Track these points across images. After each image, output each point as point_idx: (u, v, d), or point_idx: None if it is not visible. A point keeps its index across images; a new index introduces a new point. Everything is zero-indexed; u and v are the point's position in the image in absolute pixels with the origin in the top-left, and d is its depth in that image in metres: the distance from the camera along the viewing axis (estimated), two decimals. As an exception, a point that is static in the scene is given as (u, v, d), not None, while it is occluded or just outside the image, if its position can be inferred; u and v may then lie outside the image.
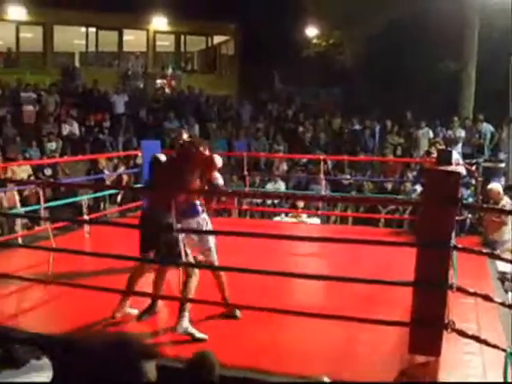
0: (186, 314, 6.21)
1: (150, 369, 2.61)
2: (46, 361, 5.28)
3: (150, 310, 6.90)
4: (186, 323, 6.17)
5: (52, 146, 18.18)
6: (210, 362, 4.33)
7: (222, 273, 6.93)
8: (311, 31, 26.74)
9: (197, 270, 6.47)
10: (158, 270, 6.92)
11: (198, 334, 6.15)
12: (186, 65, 30.32)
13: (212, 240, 6.83)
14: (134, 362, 2.59)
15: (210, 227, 6.89)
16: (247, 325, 6.38)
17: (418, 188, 14.91)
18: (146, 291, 7.01)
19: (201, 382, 4.27)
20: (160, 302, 7.00)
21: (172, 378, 4.53)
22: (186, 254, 6.43)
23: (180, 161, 6.70)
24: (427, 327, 5.48)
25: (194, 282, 6.41)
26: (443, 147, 11.55)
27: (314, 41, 27.00)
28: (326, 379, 4.32)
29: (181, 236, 6.38)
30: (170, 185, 6.61)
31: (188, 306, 6.30)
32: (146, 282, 7.01)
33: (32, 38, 25.77)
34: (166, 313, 6.97)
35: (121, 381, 2.56)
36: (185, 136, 7.56)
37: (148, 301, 6.98)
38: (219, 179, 7.20)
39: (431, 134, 19.56)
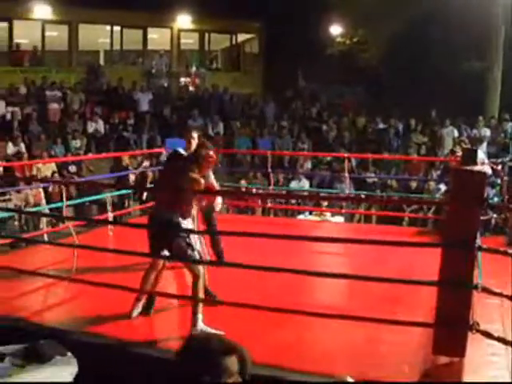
0: (200, 315, 6.23)
1: (232, 363, 2.92)
2: (70, 356, 5.35)
3: (148, 308, 6.92)
4: (200, 324, 6.20)
5: (77, 143, 18.30)
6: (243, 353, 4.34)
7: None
8: (335, 29, 26.68)
9: (202, 271, 6.46)
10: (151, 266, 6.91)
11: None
12: (211, 63, 30.31)
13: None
14: (215, 358, 2.87)
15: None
16: (271, 324, 6.36)
17: (442, 187, 14.82)
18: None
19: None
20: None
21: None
22: (192, 253, 6.46)
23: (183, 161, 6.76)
24: (451, 328, 5.44)
25: (201, 282, 6.40)
26: (468, 146, 11.45)
27: (338, 39, 26.93)
28: (349, 379, 4.29)
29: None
30: (173, 184, 6.63)
31: (200, 306, 6.33)
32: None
33: (57, 36, 25.88)
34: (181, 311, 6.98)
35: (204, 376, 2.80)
36: (194, 135, 7.99)
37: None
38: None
39: (456, 133, 19.45)
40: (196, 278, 6.37)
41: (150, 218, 6.94)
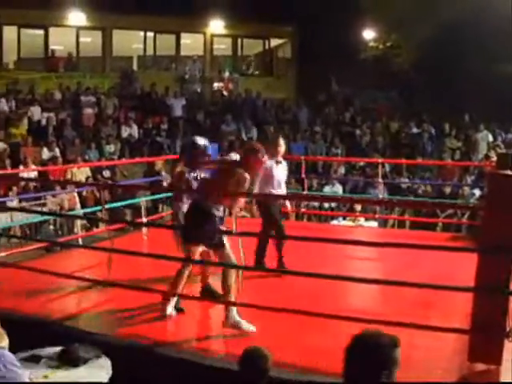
0: (233, 307, 6.35)
1: (399, 354, 3.24)
2: (105, 360, 5.38)
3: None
4: (234, 315, 6.33)
5: (110, 148, 18.43)
6: (264, 354, 4.35)
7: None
8: (368, 34, 26.55)
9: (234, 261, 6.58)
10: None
11: (246, 325, 6.29)
12: (247, 68, 30.32)
13: None
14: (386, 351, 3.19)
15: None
16: (304, 328, 6.34)
17: (477, 192, 14.69)
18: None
19: (256, 371, 4.28)
20: None
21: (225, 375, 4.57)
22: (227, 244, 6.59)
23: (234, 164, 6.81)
24: (487, 335, 5.37)
25: (232, 275, 6.47)
26: (504, 151, 11.34)
27: (371, 43, 26.79)
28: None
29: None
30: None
31: (232, 297, 6.45)
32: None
33: (91, 42, 26.12)
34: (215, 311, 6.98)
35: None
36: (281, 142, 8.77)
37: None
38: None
39: (490, 138, 19.29)
40: (226, 271, 6.49)
41: (190, 208, 6.94)
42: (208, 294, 7.36)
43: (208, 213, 6.54)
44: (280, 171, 9.07)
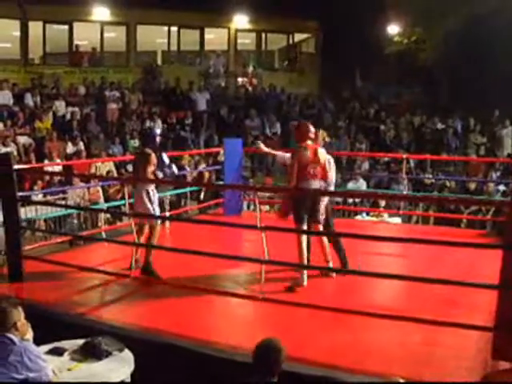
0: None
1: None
2: (128, 353, 5.40)
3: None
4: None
5: (135, 142, 18.48)
6: (278, 346, 4.35)
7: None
8: (392, 28, 26.40)
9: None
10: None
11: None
12: (269, 63, 30.25)
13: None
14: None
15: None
16: (327, 324, 6.33)
17: (502, 188, 14.57)
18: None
19: (270, 363, 4.28)
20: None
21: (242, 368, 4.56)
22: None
23: None
24: (511, 333, 5.32)
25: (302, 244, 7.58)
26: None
27: (396, 38, 26.64)
28: (400, 380, 4.25)
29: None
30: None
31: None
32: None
33: (116, 37, 26.18)
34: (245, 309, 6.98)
35: None
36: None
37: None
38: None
39: (516, 134, 19.14)
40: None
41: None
42: (147, 274, 7.95)
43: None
44: None
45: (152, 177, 8.28)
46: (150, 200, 8.16)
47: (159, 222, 8.35)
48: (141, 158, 8.44)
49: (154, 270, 8.02)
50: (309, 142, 8.21)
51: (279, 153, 9.32)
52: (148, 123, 19.61)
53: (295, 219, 7.86)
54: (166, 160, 8.99)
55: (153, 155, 8.31)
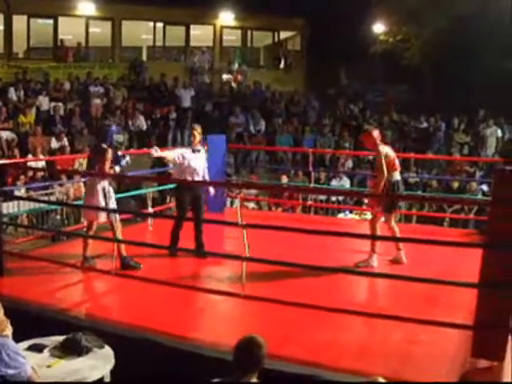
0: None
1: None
2: (108, 350, 5.39)
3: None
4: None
5: (119, 138, 18.41)
6: (259, 342, 4.35)
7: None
8: (378, 27, 26.45)
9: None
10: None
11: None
12: (253, 60, 30.25)
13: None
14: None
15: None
16: (309, 322, 6.33)
17: (485, 187, 14.63)
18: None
19: (251, 359, 4.28)
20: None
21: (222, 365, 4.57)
22: None
23: None
24: (491, 331, 5.35)
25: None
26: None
27: (381, 37, 26.69)
28: (380, 379, 4.26)
29: None
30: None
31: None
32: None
33: (101, 32, 26.14)
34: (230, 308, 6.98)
35: None
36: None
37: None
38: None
39: (499, 133, 19.20)
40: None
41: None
42: (125, 268, 8.06)
43: None
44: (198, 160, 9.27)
45: (110, 172, 8.28)
46: (104, 196, 8.16)
47: (117, 216, 8.33)
48: (97, 153, 8.37)
49: (131, 261, 8.15)
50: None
51: (169, 153, 9.43)
52: (137, 119, 19.58)
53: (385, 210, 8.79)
54: (119, 153, 8.95)
55: (109, 150, 8.26)
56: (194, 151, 9.18)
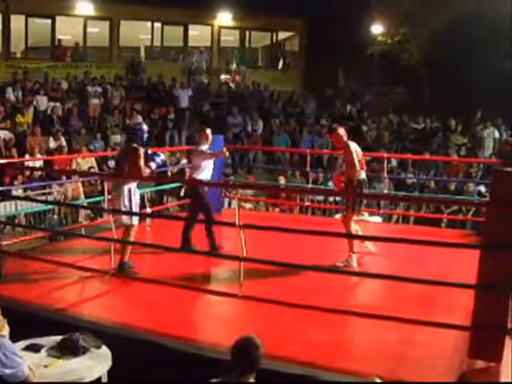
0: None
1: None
2: (105, 350, 5.39)
3: None
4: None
5: (116, 138, 18.42)
6: (256, 342, 4.35)
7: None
8: (376, 28, 26.46)
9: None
10: None
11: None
12: (251, 60, 30.24)
13: None
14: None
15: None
16: (306, 322, 6.34)
17: (482, 189, 14.65)
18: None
19: (248, 359, 4.29)
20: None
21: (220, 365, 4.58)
22: None
23: None
24: (488, 332, 5.36)
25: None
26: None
27: (379, 38, 26.70)
28: (377, 380, 4.27)
29: None
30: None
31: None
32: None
33: (99, 32, 26.11)
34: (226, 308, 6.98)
35: None
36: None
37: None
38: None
39: (497, 134, 19.22)
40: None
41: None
42: (122, 272, 7.99)
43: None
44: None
45: (147, 170, 8.19)
46: (129, 199, 8.06)
47: (137, 222, 8.24)
48: (128, 153, 8.26)
49: (130, 271, 8.01)
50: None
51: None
52: (135, 119, 19.56)
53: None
54: (150, 152, 8.97)
55: (141, 149, 8.19)
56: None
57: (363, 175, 8.98)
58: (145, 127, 8.56)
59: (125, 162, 8.23)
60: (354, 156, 8.77)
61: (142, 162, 8.09)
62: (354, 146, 8.99)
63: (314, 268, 7.42)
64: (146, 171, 8.17)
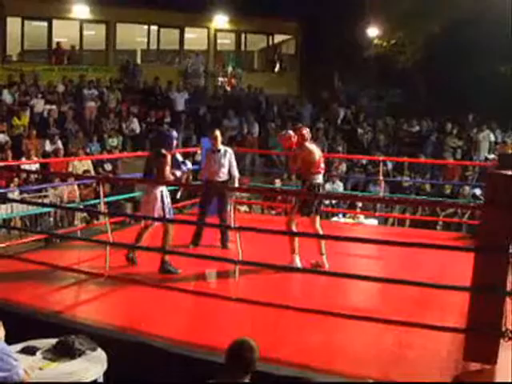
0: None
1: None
2: (101, 353, 5.39)
3: None
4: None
5: (113, 141, 18.42)
6: (251, 345, 4.36)
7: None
8: (372, 31, 26.48)
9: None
10: None
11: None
12: (247, 63, 30.24)
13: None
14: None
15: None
16: (301, 325, 6.35)
17: (477, 191, 14.68)
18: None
19: (243, 362, 4.30)
20: None
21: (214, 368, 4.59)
22: None
23: None
24: (483, 334, 5.37)
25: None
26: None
27: (375, 41, 26.72)
28: (370, 381, 4.29)
29: None
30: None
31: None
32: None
33: (95, 35, 26.09)
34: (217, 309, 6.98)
35: None
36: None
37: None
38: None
39: (492, 137, 19.26)
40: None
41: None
42: (164, 272, 8.21)
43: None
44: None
45: (171, 176, 8.47)
46: (162, 201, 8.40)
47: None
48: (157, 158, 8.50)
49: (173, 268, 8.27)
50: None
51: None
52: (131, 122, 19.59)
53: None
54: (180, 158, 9.18)
55: (168, 156, 8.45)
56: (213, 151, 10.16)
57: (319, 179, 8.88)
58: (174, 133, 8.85)
59: (154, 166, 8.54)
60: (308, 157, 8.84)
61: (168, 168, 8.40)
62: (311, 147, 9.02)
63: (310, 271, 7.43)
64: (170, 178, 8.49)
